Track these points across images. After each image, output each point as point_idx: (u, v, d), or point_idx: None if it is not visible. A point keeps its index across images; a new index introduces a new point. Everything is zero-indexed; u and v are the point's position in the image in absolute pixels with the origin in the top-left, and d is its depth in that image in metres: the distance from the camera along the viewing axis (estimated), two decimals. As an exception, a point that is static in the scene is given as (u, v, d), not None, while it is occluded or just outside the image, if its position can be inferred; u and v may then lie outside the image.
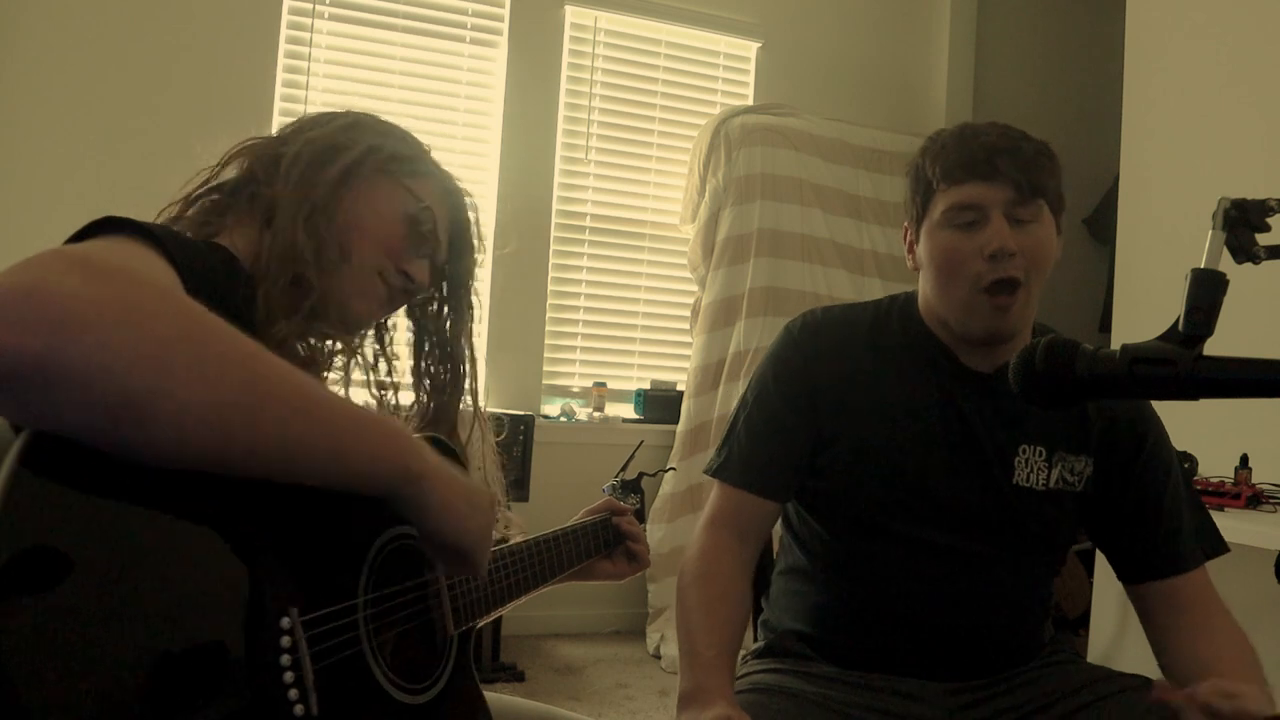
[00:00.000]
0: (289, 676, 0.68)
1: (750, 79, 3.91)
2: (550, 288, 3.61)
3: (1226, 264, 0.76)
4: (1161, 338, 0.72)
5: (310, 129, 0.95)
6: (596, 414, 3.54)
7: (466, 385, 1.07)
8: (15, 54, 2.97)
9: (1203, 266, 0.74)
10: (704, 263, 3.63)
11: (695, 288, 3.71)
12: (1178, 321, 0.72)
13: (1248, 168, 2.46)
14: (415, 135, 1.02)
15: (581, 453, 3.35)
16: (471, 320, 1.07)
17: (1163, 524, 1.18)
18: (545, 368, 3.61)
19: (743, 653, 1.23)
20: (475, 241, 1.07)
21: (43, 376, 0.54)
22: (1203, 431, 1.98)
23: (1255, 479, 2.12)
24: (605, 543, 1.25)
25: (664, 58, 3.80)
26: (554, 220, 3.62)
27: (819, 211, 3.68)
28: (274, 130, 0.99)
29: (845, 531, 1.21)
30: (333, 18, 3.33)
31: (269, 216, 0.88)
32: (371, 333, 1.05)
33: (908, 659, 1.18)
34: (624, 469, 1.40)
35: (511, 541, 1.10)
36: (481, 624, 1.01)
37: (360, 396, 0.99)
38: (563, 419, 3.52)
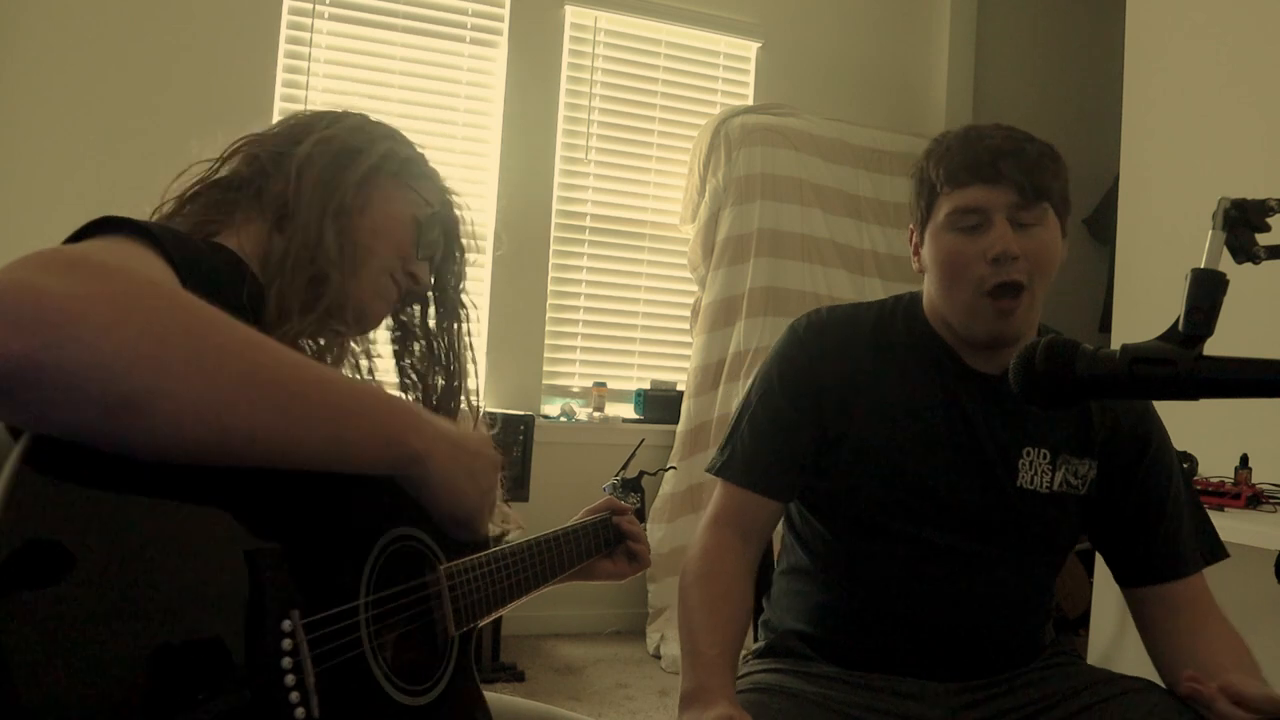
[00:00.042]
0: (290, 679, 0.68)
1: (750, 79, 3.91)
2: (550, 288, 3.60)
3: (1226, 264, 0.77)
4: (1161, 338, 0.72)
5: (320, 129, 0.95)
6: (596, 414, 3.54)
7: (467, 385, 1.07)
8: (15, 54, 2.97)
9: (1203, 266, 0.74)
10: (704, 263, 3.62)
11: (695, 288, 3.71)
12: (1178, 321, 0.72)
13: (1248, 168, 2.46)
14: (412, 136, 1.03)
15: (581, 453, 3.35)
16: (465, 320, 1.08)
17: (1163, 528, 1.18)
18: (545, 368, 3.60)
19: (743, 652, 1.23)
20: (466, 242, 1.08)
21: (38, 377, 0.53)
22: (1203, 431, 1.98)
23: (1255, 479, 2.12)
24: (606, 542, 1.25)
25: (664, 58, 3.80)
26: (554, 220, 3.61)
27: (819, 211, 3.68)
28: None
29: (847, 531, 1.21)
30: (333, 18, 3.33)
31: (281, 215, 0.89)
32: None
33: (909, 659, 1.18)
34: (624, 468, 1.40)
35: (511, 541, 1.10)
36: (482, 624, 1.01)
37: None
38: (563, 419, 3.52)
